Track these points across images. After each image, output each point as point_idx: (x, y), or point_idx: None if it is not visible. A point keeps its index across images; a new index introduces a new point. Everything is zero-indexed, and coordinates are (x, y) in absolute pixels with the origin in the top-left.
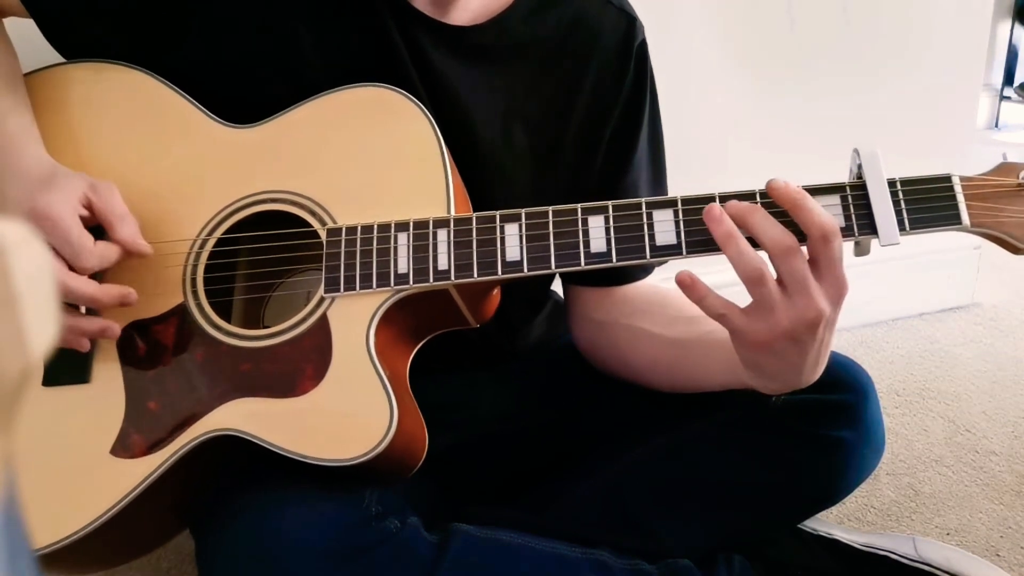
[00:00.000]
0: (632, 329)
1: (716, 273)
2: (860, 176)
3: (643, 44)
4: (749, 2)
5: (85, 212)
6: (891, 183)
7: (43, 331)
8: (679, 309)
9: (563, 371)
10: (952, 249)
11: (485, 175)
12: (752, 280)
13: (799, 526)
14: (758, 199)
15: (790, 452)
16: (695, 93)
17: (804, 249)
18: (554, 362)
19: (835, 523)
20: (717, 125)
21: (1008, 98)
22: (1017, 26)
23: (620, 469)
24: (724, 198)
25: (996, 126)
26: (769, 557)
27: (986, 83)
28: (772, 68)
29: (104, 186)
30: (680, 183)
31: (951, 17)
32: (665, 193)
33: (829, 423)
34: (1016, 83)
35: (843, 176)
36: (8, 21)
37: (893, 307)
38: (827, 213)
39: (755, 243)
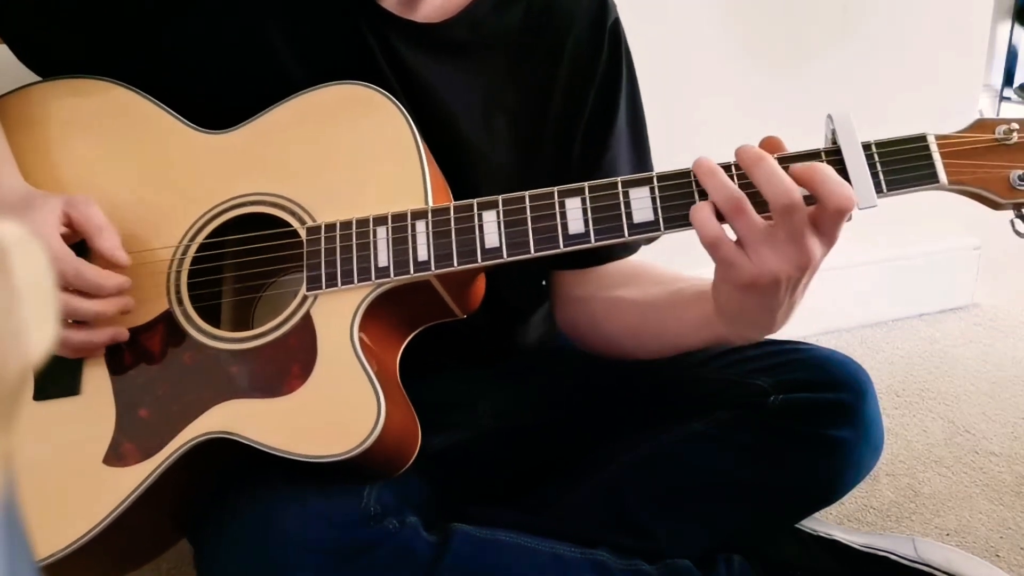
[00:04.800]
0: (608, 300)
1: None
2: (835, 141)
3: (616, 22)
4: None
5: (66, 229)
6: (866, 146)
7: (43, 330)
8: (652, 275)
9: (563, 371)
10: (952, 249)
11: (470, 168)
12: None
13: (798, 526)
14: (733, 171)
15: (788, 452)
16: (695, 80)
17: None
18: (554, 362)
19: (835, 523)
20: (713, 111)
21: (1008, 98)
22: (1017, 26)
23: (620, 469)
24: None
25: None
26: (769, 557)
27: (986, 83)
28: (771, 65)
29: (80, 199)
30: (672, 164)
31: (951, 17)
32: (650, 171)
33: (828, 422)
34: (1016, 83)
35: None
36: None
37: (893, 307)
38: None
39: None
